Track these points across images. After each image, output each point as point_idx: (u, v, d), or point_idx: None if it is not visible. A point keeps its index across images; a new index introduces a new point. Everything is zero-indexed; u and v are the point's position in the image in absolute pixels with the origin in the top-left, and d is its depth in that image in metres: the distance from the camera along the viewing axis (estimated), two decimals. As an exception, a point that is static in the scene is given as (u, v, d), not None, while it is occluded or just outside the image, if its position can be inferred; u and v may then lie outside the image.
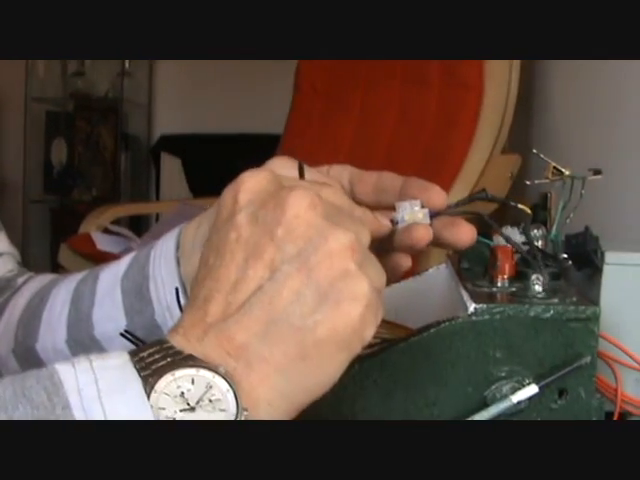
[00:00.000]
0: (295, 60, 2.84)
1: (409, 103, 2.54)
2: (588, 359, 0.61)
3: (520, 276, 0.67)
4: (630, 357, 0.65)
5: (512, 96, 2.29)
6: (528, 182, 0.76)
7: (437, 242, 0.58)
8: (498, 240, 0.68)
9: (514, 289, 0.66)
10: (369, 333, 0.48)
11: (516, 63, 2.27)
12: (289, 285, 0.47)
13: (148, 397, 0.44)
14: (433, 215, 0.57)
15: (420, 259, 0.60)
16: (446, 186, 2.22)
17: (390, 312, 0.74)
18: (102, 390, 0.43)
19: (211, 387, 0.45)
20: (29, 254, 3.81)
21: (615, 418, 0.64)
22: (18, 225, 3.98)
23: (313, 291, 0.47)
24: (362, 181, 0.60)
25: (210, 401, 0.45)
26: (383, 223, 0.57)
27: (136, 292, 0.68)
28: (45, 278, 0.80)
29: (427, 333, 0.62)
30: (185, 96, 4.09)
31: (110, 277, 0.71)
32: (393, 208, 0.58)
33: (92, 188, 4.09)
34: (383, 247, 0.58)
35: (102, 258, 2.44)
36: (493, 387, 0.62)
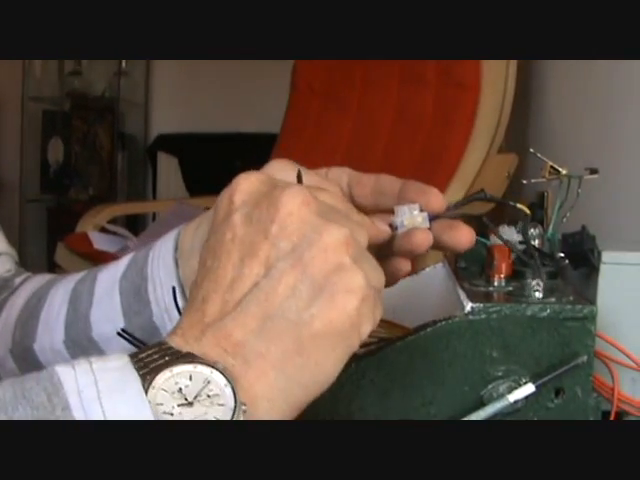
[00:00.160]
0: (292, 61, 2.84)
1: (406, 102, 2.54)
2: (585, 358, 0.61)
3: (517, 275, 0.67)
4: (627, 356, 0.65)
5: (509, 96, 2.29)
6: (525, 181, 0.76)
7: (436, 245, 0.58)
8: (495, 239, 0.68)
9: (511, 288, 0.66)
10: (367, 328, 0.48)
11: (513, 63, 2.27)
12: (284, 281, 0.47)
13: (146, 393, 0.44)
14: (432, 218, 0.57)
15: (417, 258, 0.59)
16: (443, 185, 2.22)
17: (387, 311, 0.74)
18: (102, 391, 0.43)
19: (209, 382, 0.45)
20: (26, 253, 3.81)
21: (612, 417, 0.64)
22: (15, 224, 3.98)
23: (308, 286, 0.47)
24: (360, 184, 0.60)
25: (208, 396, 0.45)
26: (382, 229, 0.57)
27: (134, 293, 0.68)
28: (43, 278, 0.80)
29: (424, 332, 0.62)
30: (182, 95, 4.08)
31: (108, 278, 0.71)
32: (391, 211, 0.58)
33: (89, 187, 4.08)
34: (383, 252, 0.58)
35: (99, 257, 2.44)
36: (490, 386, 0.62)
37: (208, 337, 0.47)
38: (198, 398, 0.45)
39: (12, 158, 4.10)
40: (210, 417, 0.44)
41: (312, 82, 2.79)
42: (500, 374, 0.62)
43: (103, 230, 2.80)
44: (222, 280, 0.49)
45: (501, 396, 0.61)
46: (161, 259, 0.66)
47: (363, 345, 0.70)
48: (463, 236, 0.58)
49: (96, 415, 0.42)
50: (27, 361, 0.74)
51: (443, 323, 0.62)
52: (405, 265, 0.59)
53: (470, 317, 0.62)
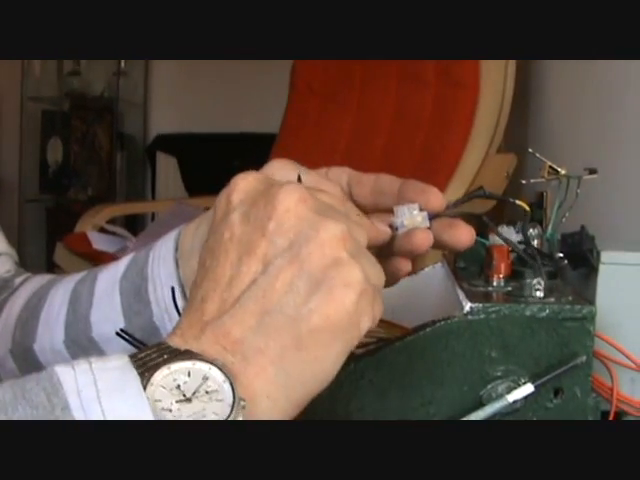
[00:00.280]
0: (291, 61, 2.84)
1: (405, 102, 2.54)
2: (584, 358, 0.61)
3: (516, 275, 0.67)
4: (626, 356, 0.65)
5: (508, 95, 2.29)
6: (524, 181, 0.76)
7: (436, 244, 0.58)
8: (494, 239, 0.68)
9: (510, 288, 0.66)
10: (366, 323, 0.48)
11: (512, 63, 2.27)
12: (282, 277, 0.47)
13: (145, 390, 0.44)
14: (431, 217, 0.57)
15: (417, 258, 0.59)
16: (442, 185, 2.22)
17: (386, 311, 0.74)
18: (101, 390, 0.43)
19: (207, 379, 0.45)
20: (25, 253, 3.80)
21: (611, 417, 0.64)
22: (14, 224, 3.98)
23: (306, 281, 0.47)
24: (360, 183, 0.60)
25: (206, 392, 0.45)
26: (382, 229, 0.57)
27: (135, 293, 0.68)
28: (43, 278, 0.80)
29: (423, 332, 0.62)
30: (181, 96, 4.08)
31: (108, 278, 0.71)
32: (391, 211, 0.58)
33: (88, 187, 4.08)
34: (383, 252, 0.58)
35: (98, 257, 2.44)
36: (489, 386, 0.62)
37: (207, 335, 0.47)
38: (196, 394, 0.45)
39: (11, 158, 4.10)
40: (209, 413, 0.44)
41: (311, 82, 2.79)
42: (499, 374, 0.62)
43: (102, 230, 2.80)
44: (220, 279, 0.49)
45: (500, 396, 0.61)
46: (161, 259, 0.66)
47: (362, 345, 0.70)
48: (463, 235, 0.58)
49: (95, 414, 0.42)
50: (27, 361, 0.74)
51: (442, 323, 0.62)
52: (405, 265, 0.59)
53: (469, 317, 0.62)
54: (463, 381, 0.62)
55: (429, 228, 0.57)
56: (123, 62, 4.00)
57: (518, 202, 0.63)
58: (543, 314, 0.61)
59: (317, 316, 0.46)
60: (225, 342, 0.47)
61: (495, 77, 2.30)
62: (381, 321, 0.72)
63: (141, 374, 0.45)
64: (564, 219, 0.74)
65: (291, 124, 2.83)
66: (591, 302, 0.65)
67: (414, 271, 0.60)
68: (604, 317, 0.63)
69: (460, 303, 0.63)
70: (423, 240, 0.56)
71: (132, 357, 0.46)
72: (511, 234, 0.69)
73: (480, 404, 0.62)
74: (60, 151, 4.11)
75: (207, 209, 0.61)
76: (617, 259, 0.68)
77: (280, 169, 0.58)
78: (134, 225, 3.71)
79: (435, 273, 0.81)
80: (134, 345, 0.65)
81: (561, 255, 0.72)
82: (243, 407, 0.45)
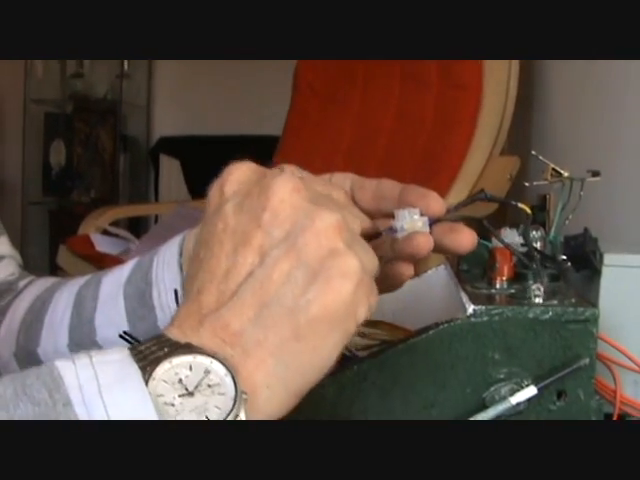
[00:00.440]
0: (294, 63, 2.84)
1: (407, 104, 2.54)
2: (587, 361, 0.61)
3: (519, 278, 0.67)
4: (629, 359, 0.65)
5: (511, 97, 2.28)
6: (527, 184, 0.76)
7: (438, 248, 0.58)
8: (497, 242, 0.68)
9: (513, 291, 0.66)
10: (362, 312, 0.48)
11: (515, 64, 2.27)
12: (279, 268, 0.47)
13: (147, 385, 0.44)
14: (432, 222, 0.57)
15: (419, 261, 0.60)
16: (445, 187, 2.22)
17: (389, 314, 0.74)
18: (102, 385, 0.43)
19: (209, 372, 0.45)
20: (28, 255, 3.80)
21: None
22: (17, 227, 3.98)
23: (303, 272, 0.47)
24: (362, 188, 0.60)
25: (209, 386, 0.45)
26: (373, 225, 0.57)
27: (139, 298, 0.68)
28: (47, 281, 0.80)
29: (426, 335, 0.62)
30: (184, 98, 4.09)
31: (113, 282, 0.71)
32: (393, 215, 0.58)
33: (91, 190, 4.09)
34: (385, 256, 0.58)
35: (101, 259, 2.44)
36: (492, 389, 0.62)
37: (206, 328, 0.47)
38: (199, 388, 0.45)
39: (14, 160, 4.11)
40: (211, 407, 0.44)
41: (314, 84, 2.79)
42: (502, 376, 0.62)
43: (105, 232, 2.80)
44: (216, 270, 0.49)
45: (503, 398, 0.61)
46: (166, 264, 0.66)
47: (365, 348, 0.70)
48: (464, 239, 0.58)
49: (97, 409, 0.42)
50: (31, 365, 0.73)
51: (445, 325, 0.62)
52: (407, 269, 0.59)
53: (472, 319, 0.62)
54: (466, 383, 0.62)
55: (430, 233, 0.57)
56: (126, 64, 4.00)
57: (520, 205, 0.63)
58: (546, 316, 0.61)
59: (315, 307, 0.46)
60: (224, 335, 0.47)
61: (498, 78, 2.30)
62: (384, 323, 0.73)
63: (142, 368, 0.45)
64: (567, 221, 0.73)
65: (294, 125, 2.83)
66: (594, 304, 0.65)
67: (417, 274, 0.60)
68: (607, 319, 0.63)
69: (463, 305, 0.63)
70: (423, 244, 0.56)
71: (132, 350, 0.46)
72: (514, 236, 0.69)
73: (483, 406, 0.62)
74: (63, 153, 4.11)
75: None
76: (620, 261, 0.68)
77: None
78: (137, 227, 3.71)
79: (438, 276, 0.81)
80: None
81: (564, 257, 0.71)
82: (245, 400, 0.45)
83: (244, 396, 0.45)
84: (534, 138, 2.41)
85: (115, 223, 2.96)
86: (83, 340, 0.70)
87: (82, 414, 0.42)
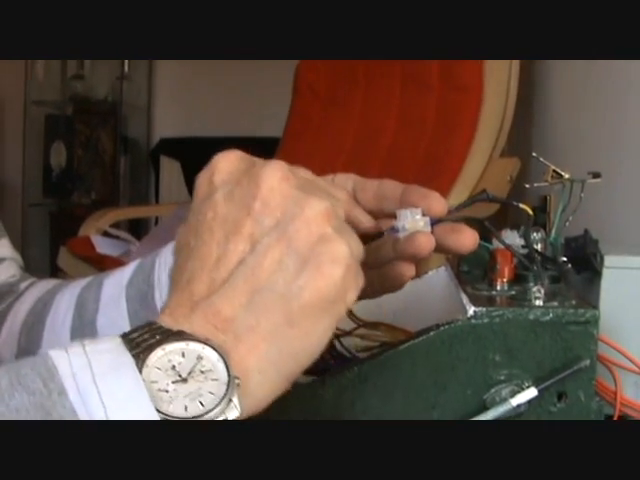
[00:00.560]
0: (294, 63, 2.84)
1: (409, 105, 2.54)
2: (587, 362, 0.61)
3: (519, 279, 0.67)
4: (629, 360, 0.65)
5: (512, 98, 2.29)
6: (527, 185, 0.76)
7: (440, 248, 0.58)
8: (497, 243, 0.68)
9: (513, 292, 0.66)
10: (352, 295, 0.49)
11: (515, 64, 2.27)
12: (270, 255, 0.47)
13: (140, 372, 0.44)
14: (434, 222, 0.58)
15: (420, 262, 0.60)
16: (446, 189, 2.22)
17: (389, 315, 0.74)
18: (96, 373, 0.43)
19: (201, 358, 0.45)
20: (28, 257, 3.81)
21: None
22: (17, 228, 3.98)
23: (294, 259, 0.47)
24: (364, 189, 0.61)
25: (201, 372, 0.45)
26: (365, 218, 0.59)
27: (141, 300, 0.68)
28: (48, 283, 0.80)
29: (426, 336, 0.62)
30: (184, 99, 4.09)
31: (115, 284, 0.71)
32: (395, 216, 0.58)
33: (91, 191, 4.09)
34: (386, 256, 0.58)
35: (101, 261, 2.44)
36: (492, 390, 0.62)
37: (197, 315, 0.47)
38: (192, 374, 0.45)
39: (14, 162, 4.11)
40: (205, 392, 0.45)
41: (314, 85, 2.79)
42: (503, 378, 0.62)
43: (106, 234, 2.80)
44: (207, 258, 0.49)
45: (504, 400, 0.61)
46: (167, 266, 0.66)
47: (365, 349, 0.70)
48: (467, 239, 0.58)
49: (92, 396, 0.42)
50: None
51: (446, 327, 0.62)
52: (409, 269, 0.59)
53: (473, 321, 0.62)
54: (467, 385, 0.62)
55: (431, 233, 0.57)
56: (126, 66, 4.01)
57: (521, 205, 0.63)
58: (547, 318, 0.61)
59: (307, 292, 0.47)
60: (216, 321, 0.47)
61: (499, 80, 2.30)
62: (384, 325, 0.72)
63: (135, 356, 0.45)
64: (568, 223, 0.73)
65: (294, 127, 2.83)
66: (595, 306, 0.65)
67: (418, 275, 0.60)
68: (608, 321, 0.63)
69: (464, 307, 0.63)
70: (425, 244, 0.56)
71: (124, 338, 0.46)
72: (514, 238, 0.69)
73: (484, 408, 0.61)
74: (64, 155, 4.12)
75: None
76: (620, 263, 0.68)
77: None
78: (138, 229, 3.71)
79: (439, 277, 0.81)
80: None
81: (565, 259, 0.71)
82: (238, 385, 0.45)
83: (237, 381, 0.45)
84: (534, 139, 2.41)
85: (115, 225, 2.96)
86: None
87: (77, 402, 0.42)
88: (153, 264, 0.68)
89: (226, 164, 0.52)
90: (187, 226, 0.52)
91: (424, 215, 0.57)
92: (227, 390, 0.45)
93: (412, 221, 0.57)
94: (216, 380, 0.45)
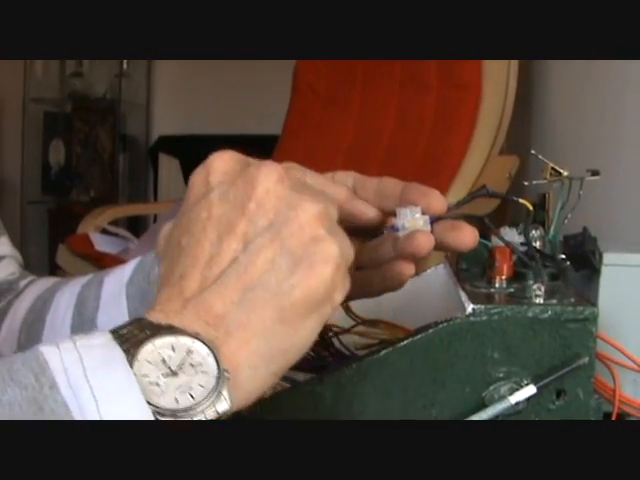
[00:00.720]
0: (294, 62, 2.84)
1: (407, 104, 2.54)
2: (586, 360, 0.61)
3: (518, 277, 0.67)
4: (628, 358, 0.65)
5: (510, 97, 2.29)
6: (526, 183, 0.76)
7: (439, 246, 0.58)
8: (496, 241, 0.68)
9: (512, 290, 0.66)
10: (339, 295, 0.50)
11: (514, 64, 2.28)
12: (263, 255, 0.48)
13: (131, 367, 0.44)
14: (433, 220, 0.58)
15: (419, 260, 0.60)
16: (445, 187, 2.22)
17: (388, 312, 0.74)
18: (87, 368, 0.44)
19: (191, 352, 0.46)
20: (27, 255, 3.80)
21: (613, 419, 0.64)
22: (16, 226, 3.98)
23: (287, 259, 0.48)
24: (364, 186, 0.61)
25: (191, 365, 0.46)
26: (363, 209, 0.59)
27: (141, 298, 0.68)
28: (48, 281, 0.80)
29: (425, 334, 0.62)
30: (183, 97, 4.09)
31: (115, 282, 0.71)
32: (394, 214, 0.58)
33: (90, 189, 4.09)
34: (386, 255, 0.59)
35: (100, 259, 2.44)
36: (491, 388, 0.62)
37: (189, 310, 0.48)
38: (182, 368, 0.46)
39: (13, 160, 4.11)
40: (195, 385, 0.45)
41: (313, 84, 2.79)
42: (501, 375, 0.62)
43: (104, 232, 2.80)
44: (200, 257, 0.49)
45: (502, 398, 0.61)
46: None
47: (364, 347, 0.70)
48: (466, 236, 0.58)
49: (83, 391, 0.43)
50: None
51: (444, 325, 0.62)
52: (408, 268, 0.59)
53: (471, 319, 0.62)
54: (465, 382, 0.62)
55: (431, 231, 0.57)
56: (125, 64, 4.00)
57: (521, 201, 0.63)
58: (545, 315, 0.61)
59: (299, 291, 0.47)
60: (207, 317, 0.47)
61: (497, 78, 2.30)
62: (383, 323, 0.72)
63: (126, 350, 0.45)
64: (566, 220, 0.73)
65: (293, 126, 2.83)
66: (593, 303, 0.65)
67: (417, 273, 0.60)
68: (606, 318, 0.63)
69: (462, 304, 0.63)
70: (424, 243, 0.57)
71: (114, 333, 0.47)
72: (513, 235, 0.69)
73: (482, 405, 0.61)
74: (62, 153, 4.11)
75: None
76: (619, 260, 0.68)
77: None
78: (136, 226, 3.71)
79: (437, 275, 0.81)
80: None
81: (563, 256, 0.71)
82: (227, 378, 0.46)
83: (226, 374, 0.46)
84: (533, 137, 2.41)
85: (114, 222, 2.96)
86: None
87: (68, 395, 0.43)
88: (153, 262, 0.68)
89: (221, 164, 0.53)
90: (178, 225, 0.52)
91: (424, 214, 0.57)
92: (217, 383, 0.45)
93: (412, 220, 0.57)
94: (206, 373, 0.45)
